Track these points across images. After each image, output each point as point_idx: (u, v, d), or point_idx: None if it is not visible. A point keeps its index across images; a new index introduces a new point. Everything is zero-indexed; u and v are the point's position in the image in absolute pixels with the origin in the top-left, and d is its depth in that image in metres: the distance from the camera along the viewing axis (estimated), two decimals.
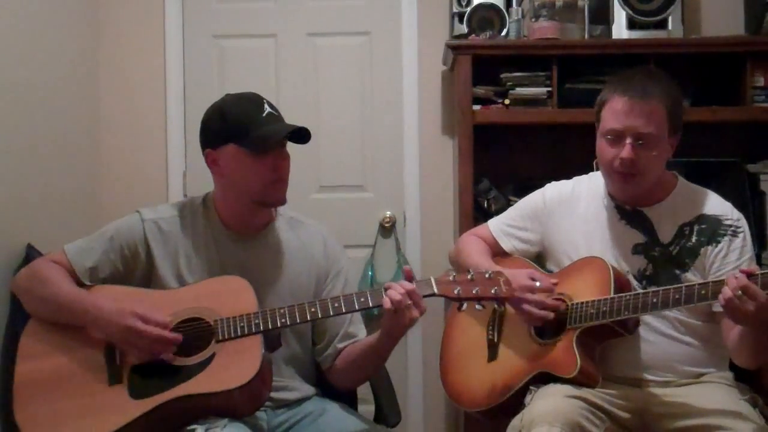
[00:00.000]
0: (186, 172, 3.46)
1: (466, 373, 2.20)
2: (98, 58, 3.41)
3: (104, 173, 3.42)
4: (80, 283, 2.00)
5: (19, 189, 2.60)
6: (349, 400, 2.19)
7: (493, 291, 1.86)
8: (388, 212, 3.46)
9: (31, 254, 2.50)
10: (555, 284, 2.06)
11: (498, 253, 2.28)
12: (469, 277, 1.88)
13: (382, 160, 3.48)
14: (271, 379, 1.91)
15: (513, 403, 2.03)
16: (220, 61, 3.48)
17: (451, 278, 1.89)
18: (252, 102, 2.01)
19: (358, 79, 3.47)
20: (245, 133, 1.96)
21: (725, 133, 3.20)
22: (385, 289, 1.87)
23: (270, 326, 1.89)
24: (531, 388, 2.02)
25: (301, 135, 2.01)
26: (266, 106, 2.00)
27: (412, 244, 3.45)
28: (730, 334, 1.98)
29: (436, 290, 1.87)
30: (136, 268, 2.04)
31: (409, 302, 1.83)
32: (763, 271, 1.79)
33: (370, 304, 1.89)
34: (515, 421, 1.92)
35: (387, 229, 3.47)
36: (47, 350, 1.95)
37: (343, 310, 1.91)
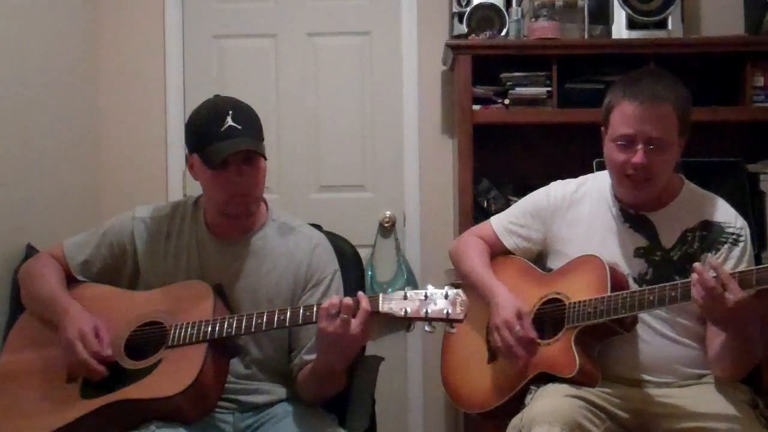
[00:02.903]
0: (186, 172, 3.45)
1: (467, 374, 2.20)
2: (98, 58, 3.41)
3: (104, 173, 3.42)
4: (73, 278, 2.07)
5: (19, 189, 2.60)
6: (343, 402, 2.16)
7: (445, 312, 1.81)
8: (388, 212, 3.46)
9: (31, 254, 2.50)
10: (532, 339, 2.01)
11: (499, 251, 2.28)
12: (423, 295, 1.83)
13: (382, 160, 3.48)
14: (220, 386, 1.92)
15: (513, 403, 2.03)
16: (220, 61, 3.48)
17: (403, 296, 1.83)
18: (216, 113, 1.97)
19: (358, 79, 3.47)
20: (203, 147, 1.96)
21: (725, 133, 3.20)
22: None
23: (216, 335, 1.90)
24: (531, 388, 2.01)
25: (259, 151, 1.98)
26: (229, 119, 1.95)
27: (412, 244, 3.45)
28: (711, 342, 1.99)
29: (380, 308, 1.82)
30: (124, 265, 2.08)
31: (342, 315, 1.80)
32: (742, 270, 1.80)
33: (314, 319, 1.86)
34: (515, 421, 1.92)
35: (387, 229, 3.47)
36: (28, 344, 2.02)
37: (287, 324, 1.89)
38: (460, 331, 2.26)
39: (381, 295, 1.84)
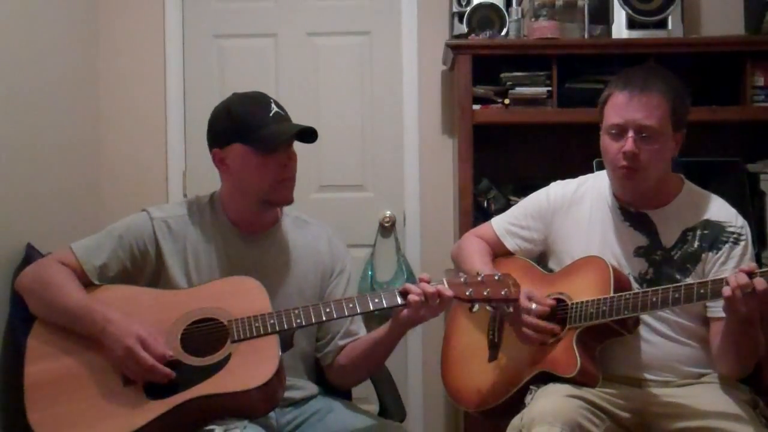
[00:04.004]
0: (186, 172, 3.46)
1: (467, 373, 2.20)
2: (98, 58, 3.41)
3: (104, 173, 3.42)
4: (88, 283, 1.98)
5: (19, 189, 2.60)
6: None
7: (503, 293, 1.90)
8: (388, 212, 3.46)
9: (31, 254, 2.50)
10: (550, 307, 2.03)
11: (501, 252, 2.28)
12: (479, 278, 1.91)
13: (382, 160, 3.48)
14: (285, 379, 1.92)
15: (513, 402, 2.03)
16: (220, 61, 3.48)
17: (462, 280, 1.91)
18: (259, 101, 2.02)
19: (358, 79, 3.48)
20: (252, 133, 1.97)
21: (725, 133, 3.20)
22: (403, 292, 1.89)
23: (285, 326, 1.90)
24: (531, 387, 2.02)
25: (308, 134, 2.02)
26: (273, 105, 2.01)
27: (412, 244, 3.45)
28: (715, 340, 1.99)
29: (451, 292, 1.89)
30: (145, 267, 2.03)
31: (428, 302, 1.88)
32: (762, 270, 1.79)
33: (384, 305, 1.91)
34: (515, 421, 1.92)
35: (387, 228, 3.47)
36: (56, 351, 1.92)
37: (358, 311, 1.92)
38: (460, 329, 2.27)
39: (445, 280, 1.91)
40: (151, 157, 3.47)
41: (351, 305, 1.91)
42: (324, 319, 1.91)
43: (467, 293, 1.89)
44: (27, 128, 2.68)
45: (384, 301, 1.90)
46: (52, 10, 2.94)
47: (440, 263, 3.16)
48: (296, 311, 1.90)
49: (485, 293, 1.89)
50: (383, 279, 3.40)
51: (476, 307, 1.92)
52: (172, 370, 1.84)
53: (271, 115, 1.99)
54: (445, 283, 1.90)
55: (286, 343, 1.95)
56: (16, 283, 2.07)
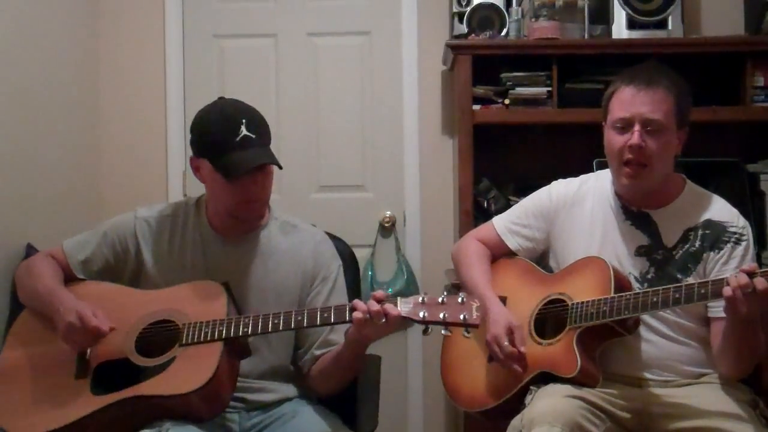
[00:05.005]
0: (186, 172, 3.46)
1: (467, 373, 2.20)
2: (98, 58, 3.41)
3: (104, 173, 3.42)
4: (73, 277, 2.09)
5: (19, 189, 2.60)
6: (349, 402, 2.18)
7: (461, 317, 1.83)
8: (388, 212, 3.46)
9: (31, 254, 2.50)
10: (522, 353, 2.02)
11: (502, 252, 2.28)
12: (440, 300, 1.85)
13: (382, 160, 3.48)
14: (232, 385, 1.93)
15: (513, 403, 2.03)
16: (220, 61, 3.48)
17: (420, 300, 1.86)
18: (230, 122, 1.98)
19: (358, 79, 3.47)
20: (217, 157, 1.97)
21: (725, 133, 3.20)
22: (351, 308, 1.88)
23: (232, 334, 1.91)
24: (531, 388, 2.02)
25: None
26: (243, 128, 1.96)
27: (412, 244, 3.45)
28: (716, 340, 1.99)
29: (401, 312, 1.85)
30: (126, 264, 2.10)
31: (372, 320, 1.84)
32: (762, 270, 1.79)
33: (332, 320, 1.91)
34: (515, 421, 1.92)
35: (387, 228, 3.47)
36: (31, 340, 2.03)
37: (305, 325, 1.92)
38: (460, 330, 2.27)
39: (399, 299, 1.86)
40: (151, 157, 3.47)
41: (299, 318, 1.91)
42: (270, 330, 1.92)
43: (420, 315, 1.84)
44: (27, 128, 2.68)
45: (332, 317, 1.90)
46: (52, 10, 2.94)
47: (440, 263, 3.16)
48: (246, 320, 1.92)
49: (441, 316, 1.83)
50: (383, 279, 3.40)
51: (430, 329, 1.86)
52: (119, 358, 1.92)
53: (237, 139, 1.95)
54: (399, 302, 1.86)
55: (242, 352, 1.96)
56: (15, 275, 2.20)
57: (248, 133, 1.97)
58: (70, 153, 3.10)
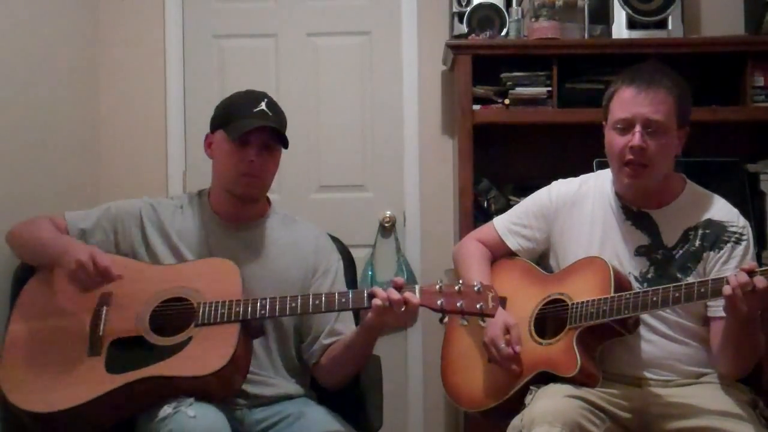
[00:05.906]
0: (186, 172, 3.46)
1: (467, 373, 2.20)
2: (98, 58, 3.41)
3: (104, 173, 3.42)
4: None
5: (19, 188, 2.60)
6: (352, 402, 2.19)
7: (478, 306, 1.85)
8: (388, 212, 3.46)
9: None
10: (516, 353, 2.02)
11: (503, 252, 2.28)
12: (456, 288, 1.86)
13: (382, 160, 3.48)
14: (246, 368, 1.93)
15: (513, 403, 2.03)
16: (220, 61, 3.48)
17: (437, 288, 1.87)
18: (252, 97, 2.10)
19: (358, 79, 3.47)
20: (230, 121, 2.05)
21: (725, 133, 3.20)
22: (370, 294, 1.88)
23: (249, 316, 1.91)
24: (531, 387, 2.02)
25: (282, 138, 2.08)
26: (263, 104, 2.06)
27: (412, 244, 3.45)
28: (716, 340, 1.99)
29: (418, 299, 1.86)
30: (124, 241, 2.10)
31: (393, 308, 1.85)
32: (762, 269, 1.80)
33: (351, 306, 1.92)
34: (515, 421, 1.93)
35: (387, 228, 3.47)
36: (40, 313, 1.99)
37: (323, 309, 1.93)
38: (460, 329, 2.27)
39: (416, 287, 1.88)
40: (151, 157, 3.47)
41: (317, 302, 1.92)
42: (288, 312, 1.92)
43: (438, 303, 1.85)
44: (27, 128, 2.68)
45: (350, 302, 1.91)
46: (52, 10, 2.94)
47: (440, 263, 3.16)
48: (263, 302, 1.92)
49: (458, 305, 1.85)
50: (383, 279, 3.39)
51: (446, 318, 1.88)
52: (133, 331, 1.91)
53: (255, 110, 2.05)
54: (417, 290, 1.87)
55: (256, 332, 1.96)
56: (6, 236, 2.16)
57: (266, 109, 2.06)
58: (70, 153, 3.10)
